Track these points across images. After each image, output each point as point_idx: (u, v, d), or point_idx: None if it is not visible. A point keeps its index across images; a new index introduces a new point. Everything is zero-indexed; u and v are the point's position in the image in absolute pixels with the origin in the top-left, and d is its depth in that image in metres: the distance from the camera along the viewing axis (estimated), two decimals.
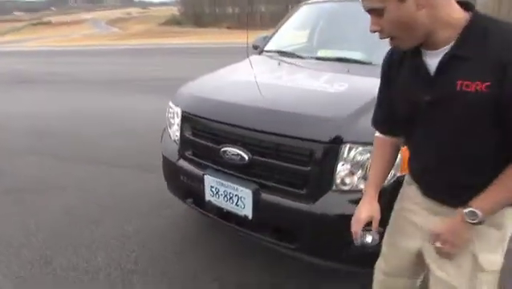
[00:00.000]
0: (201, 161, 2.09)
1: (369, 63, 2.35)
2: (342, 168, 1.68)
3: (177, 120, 2.30)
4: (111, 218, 2.75)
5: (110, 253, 2.36)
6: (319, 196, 1.70)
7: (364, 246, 1.56)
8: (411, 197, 1.21)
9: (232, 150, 1.88)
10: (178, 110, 2.26)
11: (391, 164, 1.26)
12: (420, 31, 0.90)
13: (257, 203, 1.80)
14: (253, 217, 1.83)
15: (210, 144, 2.01)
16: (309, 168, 1.70)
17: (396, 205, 1.30)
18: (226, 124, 1.93)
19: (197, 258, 2.31)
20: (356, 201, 1.66)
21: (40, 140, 4.56)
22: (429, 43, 0.93)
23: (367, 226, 1.20)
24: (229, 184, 1.86)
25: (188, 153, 2.18)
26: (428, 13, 0.88)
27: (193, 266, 2.23)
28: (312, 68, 2.54)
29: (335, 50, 2.72)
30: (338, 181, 1.69)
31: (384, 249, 1.36)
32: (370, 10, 0.91)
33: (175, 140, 2.32)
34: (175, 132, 2.32)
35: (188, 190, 2.23)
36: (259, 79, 2.37)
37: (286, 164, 1.76)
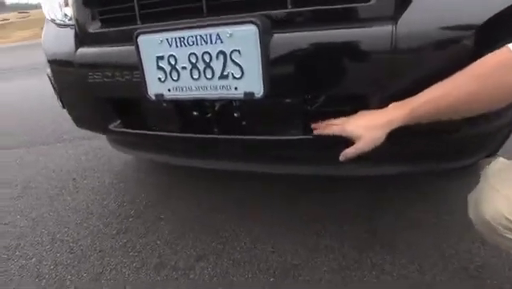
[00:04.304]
0: (126, 28, 1.03)
1: None
2: None
3: None
4: None
5: None
6: (405, 5, 0.79)
7: None
8: None
9: None
10: None
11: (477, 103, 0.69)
12: None
13: (271, 57, 0.83)
14: (267, 90, 0.84)
15: None
16: None
17: None
18: None
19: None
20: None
21: None
22: None
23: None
24: (200, 32, 0.85)
25: (94, 28, 1.10)
26: None
27: None
28: None
29: None
30: None
31: None
32: None
33: (64, 22, 1.22)
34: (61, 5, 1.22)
35: (111, 102, 1.17)
36: None
37: None
